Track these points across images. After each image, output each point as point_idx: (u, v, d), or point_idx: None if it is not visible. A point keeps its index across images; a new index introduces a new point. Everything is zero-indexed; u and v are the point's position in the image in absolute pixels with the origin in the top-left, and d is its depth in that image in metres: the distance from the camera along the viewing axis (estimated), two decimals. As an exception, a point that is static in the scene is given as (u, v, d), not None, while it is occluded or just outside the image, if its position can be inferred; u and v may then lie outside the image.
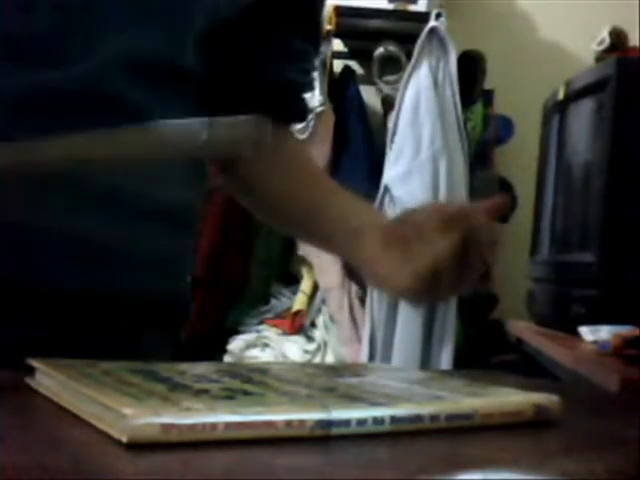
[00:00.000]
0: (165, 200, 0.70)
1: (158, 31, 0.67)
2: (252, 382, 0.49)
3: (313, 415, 0.41)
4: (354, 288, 2.38)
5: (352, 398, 0.46)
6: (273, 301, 2.50)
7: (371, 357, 2.26)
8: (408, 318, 2.23)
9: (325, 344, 2.39)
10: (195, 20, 0.70)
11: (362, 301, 2.36)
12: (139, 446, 0.37)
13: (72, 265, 0.65)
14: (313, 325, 2.43)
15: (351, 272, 2.35)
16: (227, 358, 2.37)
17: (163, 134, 0.59)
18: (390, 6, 2.46)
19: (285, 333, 2.42)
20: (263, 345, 2.42)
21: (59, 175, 0.63)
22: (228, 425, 0.39)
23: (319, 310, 2.43)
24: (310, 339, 2.42)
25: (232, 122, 0.72)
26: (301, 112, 0.86)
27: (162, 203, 0.70)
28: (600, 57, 2.19)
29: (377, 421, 0.42)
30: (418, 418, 0.44)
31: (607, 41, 2.19)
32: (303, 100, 0.85)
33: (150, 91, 0.67)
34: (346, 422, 0.41)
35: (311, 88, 0.87)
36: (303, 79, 0.84)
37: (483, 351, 2.36)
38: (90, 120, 0.65)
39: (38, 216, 0.63)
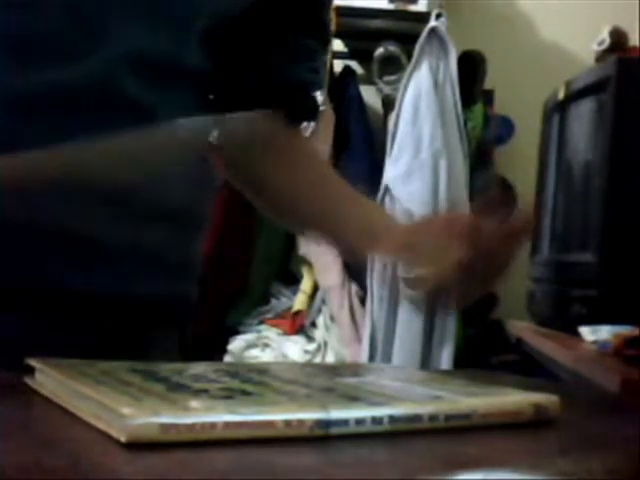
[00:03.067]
0: (174, 201, 0.70)
1: (161, 30, 0.67)
2: (251, 382, 0.49)
3: (312, 415, 0.41)
4: (354, 288, 2.38)
5: (351, 398, 0.46)
6: (273, 301, 2.50)
7: (371, 357, 2.26)
8: (408, 318, 2.23)
9: (325, 344, 2.39)
10: (198, 19, 0.70)
11: (362, 301, 2.36)
12: (138, 446, 0.37)
13: (79, 266, 0.65)
14: (313, 325, 2.43)
15: (351, 272, 2.35)
16: (227, 358, 2.37)
17: (173, 134, 0.59)
18: (390, 6, 2.46)
19: (285, 333, 2.42)
20: (263, 345, 2.42)
21: (68, 179, 0.63)
22: (227, 425, 0.39)
23: (319, 310, 2.43)
24: (310, 339, 2.42)
25: (240, 118, 0.72)
26: (311, 111, 0.86)
27: (172, 205, 0.70)
28: (600, 57, 2.19)
29: (376, 421, 0.42)
30: (417, 418, 0.44)
31: (607, 41, 2.19)
32: (313, 99, 0.85)
33: (155, 89, 0.67)
34: (345, 422, 0.41)
35: (320, 87, 0.87)
36: (312, 78, 0.84)
37: (483, 351, 2.36)
38: (96, 118, 0.65)
39: (45, 217, 0.63)
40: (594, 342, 1.47)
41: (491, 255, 0.69)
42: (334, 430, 0.41)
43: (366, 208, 0.83)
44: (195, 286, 0.77)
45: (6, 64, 0.62)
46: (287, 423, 0.40)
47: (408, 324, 2.23)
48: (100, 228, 0.65)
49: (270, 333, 2.43)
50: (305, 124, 0.87)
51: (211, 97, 0.76)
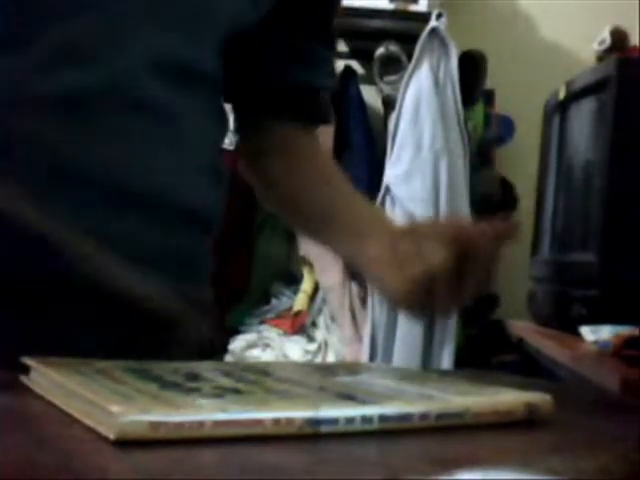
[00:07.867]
0: (191, 202, 0.71)
1: (181, 34, 0.68)
2: (244, 381, 0.49)
3: (302, 413, 0.41)
4: (355, 288, 2.38)
5: (343, 397, 0.46)
6: (274, 301, 2.50)
7: (372, 357, 2.26)
8: (409, 318, 2.22)
9: (326, 344, 2.39)
10: (216, 26, 0.71)
11: (363, 301, 2.36)
12: (127, 443, 0.37)
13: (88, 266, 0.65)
14: (314, 325, 2.43)
15: (352, 272, 2.35)
16: (228, 358, 2.36)
17: None
18: (391, 6, 2.46)
19: (286, 333, 2.42)
20: (264, 345, 2.42)
21: (89, 178, 0.63)
22: (216, 423, 0.39)
23: (320, 310, 2.43)
24: (311, 339, 2.42)
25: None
26: (327, 113, 0.89)
27: (188, 206, 0.71)
28: (601, 57, 2.18)
29: (366, 420, 0.42)
30: (407, 417, 0.44)
31: (608, 41, 2.19)
32: (327, 101, 0.88)
33: (174, 93, 0.68)
34: (334, 421, 0.41)
35: (333, 90, 0.91)
36: (329, 82, 0.88)
37: (484, 351, 2.36)
38: (114, 121, 0.65)
39: (62, 216, 0.63)
40: (594, 342, 1.47)
41: (477, 256, 0.70)
42: (324, 429, 0.41)
43: (368, 212, 0.85)
44: (209, 286, 0.77)
45: (24, 65, 0.62)
46: (276, 421, 0.40)
47: (409, 324, 2.23)
48: (117, 227, 0.65)
49: (271, 333, 2.43)
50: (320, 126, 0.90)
51: (230, 103, 0.79)
